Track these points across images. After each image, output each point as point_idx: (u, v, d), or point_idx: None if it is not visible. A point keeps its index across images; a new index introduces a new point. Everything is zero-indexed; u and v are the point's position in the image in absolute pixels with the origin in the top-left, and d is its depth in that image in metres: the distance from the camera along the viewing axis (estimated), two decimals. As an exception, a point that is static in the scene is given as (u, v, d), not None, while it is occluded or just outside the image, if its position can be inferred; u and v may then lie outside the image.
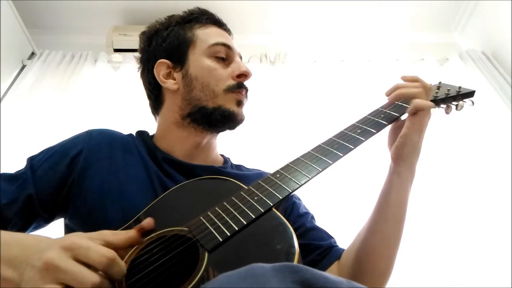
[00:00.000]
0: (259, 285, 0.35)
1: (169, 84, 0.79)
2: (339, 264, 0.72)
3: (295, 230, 0.53)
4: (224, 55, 0.80)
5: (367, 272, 0.68)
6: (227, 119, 0.76)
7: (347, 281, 0.37)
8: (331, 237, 0.78)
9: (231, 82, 0.77)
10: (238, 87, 0.78)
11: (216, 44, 0.79)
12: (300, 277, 0.36)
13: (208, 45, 0.79)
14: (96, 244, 0.45)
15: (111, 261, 0.43)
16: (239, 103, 0.78)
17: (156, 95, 0.83)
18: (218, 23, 0.85)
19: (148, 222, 0.54)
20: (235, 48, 0.83)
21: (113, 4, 1.98)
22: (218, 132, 0.82)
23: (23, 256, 0.45)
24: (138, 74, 0.87)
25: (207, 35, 0.80)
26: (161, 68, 0.80)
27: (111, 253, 0.44)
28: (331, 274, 0.64)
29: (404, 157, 0.68)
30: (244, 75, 0.79)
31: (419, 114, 0.66)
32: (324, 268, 0.71)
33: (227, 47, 0.80)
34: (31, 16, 1.95)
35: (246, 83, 0.81)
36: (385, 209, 0.69)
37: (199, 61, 0.78)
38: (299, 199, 0.84)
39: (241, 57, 0.85)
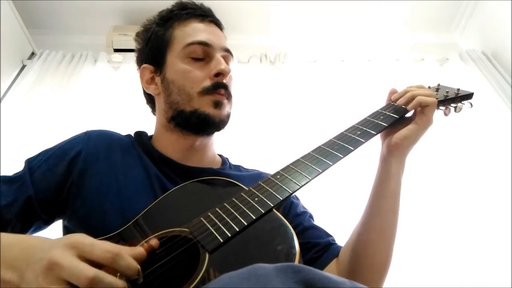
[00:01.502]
0: (261, 285, 0.35)
1: (151, 89, 0.80)
2: (338, 261, 0.72)
3: (293, 229, 0.53)
4: (201, 55, 0.75)
5: (365, 266, 0.68)
6: (204, 123, 0.73)
7: (349, 281, 0.37)
8: (330, 235, 0.78)
9: (207, 83, 0.74)
10: (214, 88, 0.74)
11: (192, 43, 0.75)
12: (303, 277, 0.36)
13: (183, 46, 0.75)
14: (100, 242, 0.44)
15: (116, 256, 0.42)
16: (217, 104, 0.74)
17: (147, 99, 0.86)
18: (200, 16, 0.79)
19: (156, 242, 0.52)
20: (217, 43, 0.77)
21: (113, 4, 1.98)
22: (204, 135, 0.78)
23: (23, 258, 0.44)
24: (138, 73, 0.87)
25: (184, 34, 0.77)
26: (144, 73, 0.80)
27: (115, 248, 0.43)
28: (331, 272, 0.64)
29: (400, 148, 0.69)
30: (221, 74, 0.75)
31: (428, 112, 0.68)
32: (322, 266, 0.72)
33: (204, 44, 0.75)
34: (31, 16, 1.95)
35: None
36: (379, 201, 0.70)
37: (175, 64, 0.76)
38: (297, 199, 0.84)
39: (227, 50, 0.79)
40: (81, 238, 0.44)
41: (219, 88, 0.74)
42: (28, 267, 0.43)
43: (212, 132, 0.79)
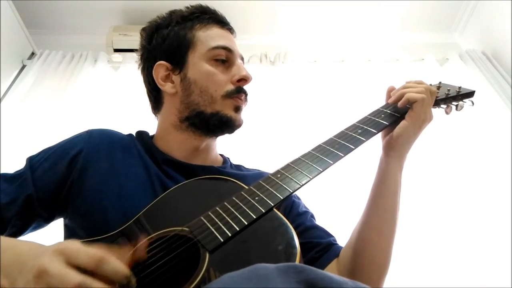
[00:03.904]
0: (263, 285, 0.35)
1: (167, 87, 0.78)
2: (338, 261, 0.72)
3: (295, 229, 0.53)
4: (224, 58, 0.77)
5: (365, 265, 0.68)
6: (224, 125, 0.76)
7: (351, 281, 0.37)
8: (331, 235, 0.78)
9: (230, 87, 0.76)
10: (237, 92, 0.76)
11: (216, 47, 0.77)
12: (304, 277, 0.36)
13: (208, 48, 0.76)
14: (87, 247, 0.44)
15: (98, 261, 0.42)
16: (237, 109, 0.77)
17: (155, 96, 0.83)
18: (220, 22, 0.82)
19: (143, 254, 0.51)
20: (237, 50, 0.80)
21: (113, 4, 1.98)
22: (216, 136, 0.81)
23: (15, 264, 0.44)
24: (139, 71, 0.85)
25: (208, 37, 0.78)
26: (159, 70, 0.78)
27: (98, 253, 0.43)
28: (331, 272, 0.64)
29: (396, 147, 0.69)
30: (244, 79, 0.77)
31: (416, 108, 0.68)
32: (323, 266, 0.72)
33: (228, 50, 0.77)
34: (31, 16, 1.95)
35: (246, 86, 0.79)
36: (377, 201, 0.70)
37: (198, 65, 0.76)
38: (299, 198, 0.84)
39: (242, 58, 0.83)
40: (69, 244, 0.44)
41: (241, 93, 0.77)
42: (20, 274, 0.43)
43: (225, 134, 0.80)
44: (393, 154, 0.70)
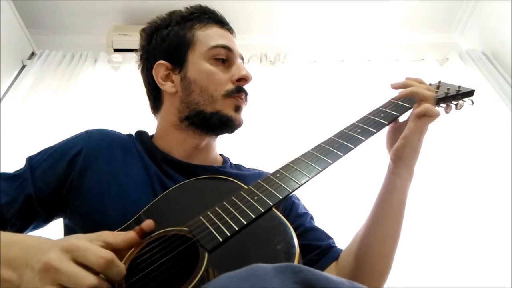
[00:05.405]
0: (260, 285, 0.35)
1: (167, 86, 0.78)
2: (337, 264, 0.72)
3: (294, 230, 0.53)
4: (224, 58, 0.78)
5: (366, 271, 0.68)
6: (224, 124, 0.76)
7: (348, 281, 0.37)
8: (330, 238, 0.78)
9: (230, 86, 0.76)
10: (237, 91, 0.76)
11: (216, 46, 0.77)
12: (302, 278, 0.36)
13: (208, 48, 0.77)
14: (95, 245, 0.45)
15: (108, 263, 0.43)
16: (237, 108, 0.77)
17: (155, 96, 0.83)
18: (220, 22, 0.82)
19: (148, 224, 0.52)
20: (237, 50, 0.80)
21: (113, 4, 1.98)
22: (216, 135, 0.81)
23: (23, 257, 0.45)
24: (139, 71, 0.85)
25: (207, 36, 0.78)
26: (159, 69, 0.78)
27: (109, 254, 0.43)
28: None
29: (404, 158, 0.68)
30: (244, 79, 0.77)
31: (424, 118, 0.66)
32: (322, 268, 0.71)
33: (228, 49, 0.78)
34: (31, 16, 1.95)
35: (246, 86, 0.79)
36: (384, 210, 0.69)
37: (198, 64, 0.76)
38: (298, 199, 0.84)
39: (242, 58, 0.83)
40: (77, 242, 0.44)
41: (241, 92, 0.77)
42: (27, 267, 0.43)
43: (225, 133, 0.79)
44: (403, 165, 0.68)
